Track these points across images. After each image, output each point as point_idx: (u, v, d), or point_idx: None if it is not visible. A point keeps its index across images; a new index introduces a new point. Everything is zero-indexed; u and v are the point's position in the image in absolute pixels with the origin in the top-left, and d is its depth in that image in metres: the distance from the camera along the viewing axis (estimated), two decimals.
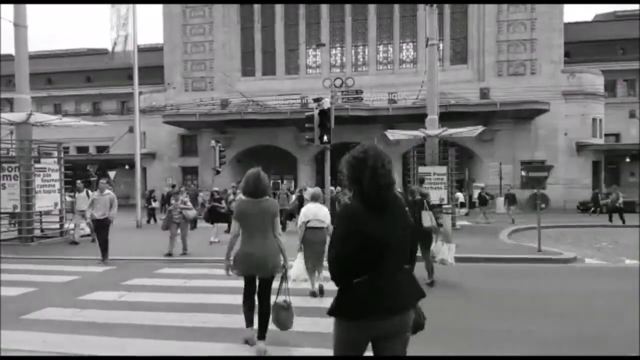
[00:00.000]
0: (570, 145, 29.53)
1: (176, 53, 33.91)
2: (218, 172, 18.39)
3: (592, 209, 24.54)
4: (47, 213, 13.68)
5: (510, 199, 20.32)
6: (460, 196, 19.84)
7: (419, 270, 8.21)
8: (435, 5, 16.53)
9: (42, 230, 13.63)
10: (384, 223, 2.32)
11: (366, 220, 2.30)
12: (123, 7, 18.19)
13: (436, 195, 15.19)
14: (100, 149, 38.01)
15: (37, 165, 13.12)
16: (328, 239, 5.33)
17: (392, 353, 2.48)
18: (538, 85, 28.64)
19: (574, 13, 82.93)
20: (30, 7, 13.54)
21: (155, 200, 20.81)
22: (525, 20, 29.98)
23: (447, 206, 13.09)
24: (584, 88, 29.56)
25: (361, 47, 33.61)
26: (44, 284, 7.61)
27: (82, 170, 25.27)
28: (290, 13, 33.87)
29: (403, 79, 30.79)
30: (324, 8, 33.29)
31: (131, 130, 29.41)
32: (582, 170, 29.55)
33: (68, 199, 14.04)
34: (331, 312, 2.36)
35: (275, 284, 4.52)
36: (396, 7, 32.67)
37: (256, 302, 4.56)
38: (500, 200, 26.69)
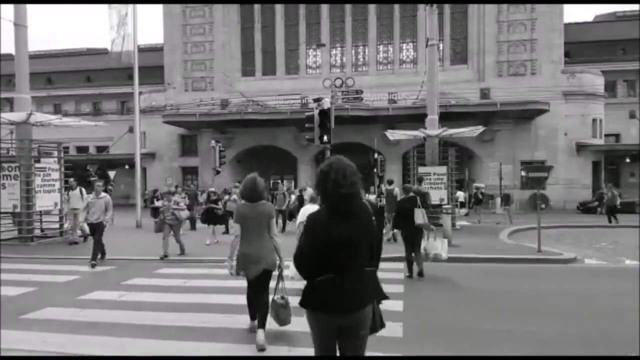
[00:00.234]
0: (570, 145, 29.54)
1: (176, 53, 33.92)
2: (218, 172, 18.39)
3: (599, 209, 24.51)
4: (47, 213, 13.67)
5: (505, 199, 20.29)
6: (460, 195, 19.84)
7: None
8: (435, 5, 16.52)
9: (42, 230, 13.62)
10: (347, 228, 2.59)
11: (330, 225, 2.59)
12: (123, 7, 18.18)
13: (436, 195, 15.22)
14: (100, 149, 38.02)
15: (37, 165, 13.11)
16: None
17: (352, 347, 2.72)
18: (538, 85, 28.64)
19: (574, 13, 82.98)
20: (30, 7, 13.54)
21: (159, 199, 20.77)
22: (526, 21, 29.98)
23: (447, 206, 13.09)
24: (584, 88, 29.56)
25: (361, 47, 33.61)
26: (43, 284, 7.61)
27: (82, 170, 25.27)
28: (291, 13, 33.87)
29: (403, 79, 30.80)
30: (324, 8, 33.29)
31: (131, 130, 29.41)
32: (582, 170, 29.55)
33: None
34: (300, 303, 2.70)
35: (272, 284, 4.76)
36: (396, 7, 32.67)
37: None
38: (500, 201, 26.74)
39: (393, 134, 19.95)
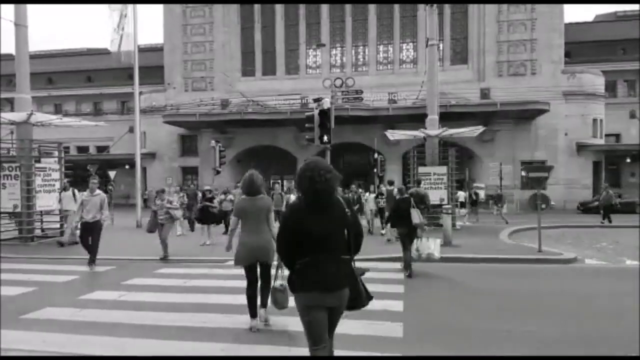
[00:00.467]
0: (570, 145, 29.54)
1: (176, 53, 33.93)
2: (218, 172, 18.40)
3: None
4: (48, 213, 13.67)
5: (497, 200, 20.26)
6: (461, 195, 19.80)
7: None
8: (435, 5, 16.53)
9: (42, 230, 13.62)
10: (322, 221, 2.94)
11: (305, 217, 2.96)
12: (123, 7, 18.19)
13: (436, 195, 15.22)
14: (101, 149, 38.04)
15: (37, 165, 13.11)
16: None
17: (330, 323, 3.09)
18: (538, 85, 28.64)
19: (574, 13, 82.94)
20: (30, 7, 13.54)
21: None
22: (526, 21, 29.98)
23: (447, 206, 13.09)
24: (584, 88, 29.56)
25: (361, 47, 33.62)
26: (43, 284, 7.61)
27: (83, 170, 25.26)
28: (291, 13, 33.88)
29: (403, 79, 30.80)
30: (324, 8, 33.30)
31: (131, 130, 29.42)
32: (582, 170, 29.56)
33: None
34: (291, 289, 3.10)
35: (272, 272, 4.87)
36: (396, 7, 32.68)
37: (258, 292, 5.20)
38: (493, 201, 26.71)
39: (393, 134, 19.95)
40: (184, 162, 34.00)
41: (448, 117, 22.66)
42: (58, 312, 5.88)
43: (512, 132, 29.50)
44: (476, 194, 22.72)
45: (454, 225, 14.17)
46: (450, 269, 8.91)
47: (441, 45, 29.47)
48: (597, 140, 30.25)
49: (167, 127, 32.10)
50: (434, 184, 15.66)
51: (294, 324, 4.64)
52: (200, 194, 17.55)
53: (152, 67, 33.65)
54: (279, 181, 27.91)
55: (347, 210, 3.06)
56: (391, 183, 14.73)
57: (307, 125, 11.58)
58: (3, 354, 4.43)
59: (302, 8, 33.54)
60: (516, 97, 27.53)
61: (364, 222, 15.02)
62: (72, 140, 34.88)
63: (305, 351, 4.45)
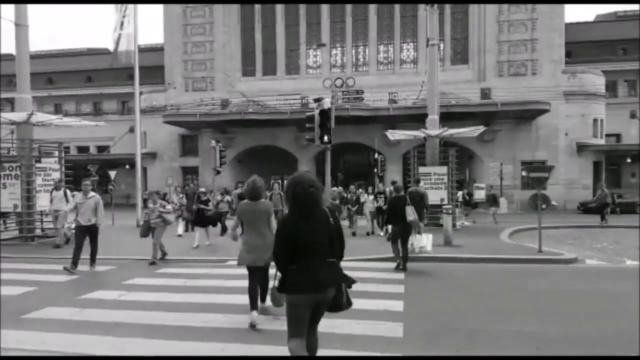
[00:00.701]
0: (571, 145, 29.52)
1: (177, 53, 33.94)
2: (218, 172, 18.39)
3: (610, 209, 24.43)
4: (48, 213, 13.65)
5: (491, 200, 20.22)
6: (460, 195, 19.79)
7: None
8: (435, 5, 16.53)
9: (42, 229, 13.62)
10: (308, 229, 3.29)
11: (294, 226, 3.31)
12: (124, 7, 18.19)
13: (436, 195, 15.21)
14: (101, 149, 38.06)
15: (38, 165, 13.11)
16: None
17: (315, 318, 3.45)
18: (539, 85, 28.63)
19: (574, 13, 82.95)
20: (31, 7, 13.53)
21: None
22: (526, 21, 29.97)
23: (447, 206, 13.09)
24: (584, 88, 29.55)
25: (362, 47, 33.62)
26: (44, 283, 7.61)
27: (83, 170, 25.26)
28: (291, 13, 33.88)
29: (404, 79, 30.80)
30: (325, 8, 33.30)
31: (132, 130, 29.41)
32: (582, 170, 29.55)
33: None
34: (279, 289, 3.46)
35: (271, 272, 4.90)
36: (397, 7, 32.68)
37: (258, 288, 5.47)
38: (502, 200, 26.71)
39: (393, 134, 19.95)
40: (184, 162, 34.00)
41: (448, 117, 22.66)
42: (58, 312, 5.89)
43: (513, 132, 29.49)
44: (469, 194, 22.70)
45: (454, 225, 14.16)
46: (450, 269, 8.91)
47: (442, 45, 29.43)
48: (597, 141, 30.24)
49: (167, 127, 32.11)
50: (435, 184, 15.65)
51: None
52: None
53: (152, 67, 33.68)
54: (279, 181, 27.92)
55: (330, 219, 3.40)
56: (394, 183, 14.69)
57: (307, 125, 11.60)
58: (3, 353, 4.43)
59: (302, 8, 33.54)
60: (517, 97, 27.52)
61: (363, 222, 14.97)
62: (72, 140, 34.90)
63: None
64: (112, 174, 23.11)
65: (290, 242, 3.30)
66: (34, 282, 7.67)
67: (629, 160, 31.91)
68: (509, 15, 30.12)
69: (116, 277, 8.19)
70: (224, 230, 14.63)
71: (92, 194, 8.69)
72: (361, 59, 33.73)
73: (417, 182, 14.33)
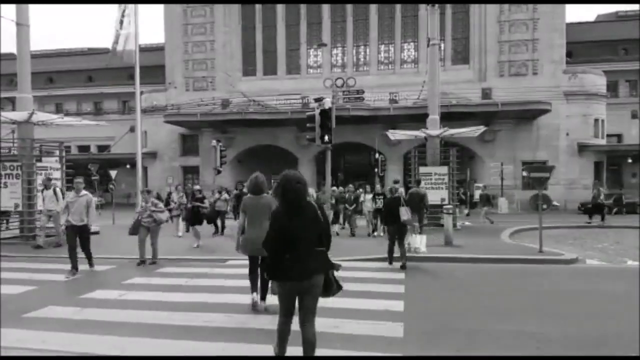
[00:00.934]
0: (571, 145, 29.50)
1: (177, 53, 33.95)
2: (219, 172, 18.40)
3: (616, 209, 24.45)
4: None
5: (485, 200, 20.18)
6: (476, 194, 19.70)
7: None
8: (436, 5, 16.53)
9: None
10: (296, 222, 3.63)
11: (284, 219, 3.66)
12: (125, 7, 18.17)
13: (437, 195, 15.21)
14: (102, 148, 38.08)
15: (38, 164, 13.11)
16: None
17: (308, 304, 3.73)
18: (540, 85, 28.62)
19: (575, 13, 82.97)
20: (32, 7, 13.53)
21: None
22: (527, 20, 29.95)
23: (448, 206, 13.08)
24: (585, 88, 29.53)
25: (362, 47, 33.62)
26: (45, 283, 7.62)
27: (84, 169, 25.27)
28: (292, 13, 33.88)
29: (404, 79, 30.79)
30: (325, 8, 33.29)
31: (132, 129, 29.43)
32: (583, 170, 29.52)
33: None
34: (268, 277, 3.85)
35: None
36: (397, 7, 32.67)
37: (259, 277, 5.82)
38: (502, 200, 26.72)
39: (394, 134, 19.95)
40: (184, 162, 34.02)
41: (449, 117, 22.65)
42: (59, 311, 5.90)
43: (513, 132, 29.48)
44: (465, 194, 22.69)
45: (455, 225, 14.15)
46: (451, 269, 8.91)
47: (442, 45, 29.40)
48: (598, 141, 30.22)
49: (168, 127, 32.12)
50: (435, 184, 15.64)
51: (294, 324, 4.65)
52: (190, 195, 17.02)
53: (153, 66, 33.66)
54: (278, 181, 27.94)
55: (318, 212, 3.75)
56: (396, 182, 14.69)
57: (308, 125, 11.60)
58: (4, 353, 4.43)
59: (303, 8, 33.54)
60: (517, 97, 27.51)
61: (363, 222, 14.91)
62: (73, 140, 34.95)
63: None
64: (113, 173, 23.13)
65: (281, 234, 3.62)
66: (35, 281, 7.68)
67: (629, 161, 31.87)
68: (509, 15, 30.11)
69: (116, 276, 8.19)
70: (220, 229, 14.59)
71: (84, 192, 8.35)
72: (362, 59, 33.73)
73: (418, 182, 14.39)
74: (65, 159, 14.23)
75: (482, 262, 9.75)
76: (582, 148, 29.44)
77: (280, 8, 33.76)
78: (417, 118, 22.36)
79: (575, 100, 29.33)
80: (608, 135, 31.72)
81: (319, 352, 4.43)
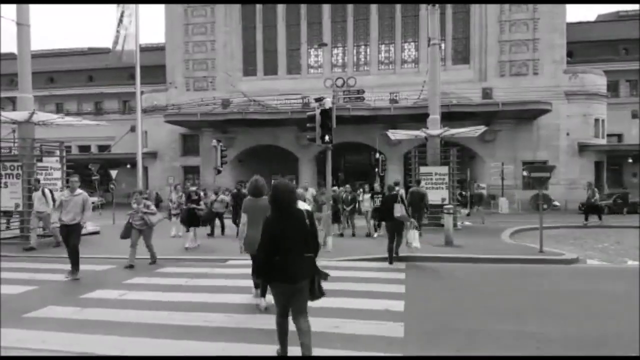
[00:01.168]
0: (572, 145, 29.48)
1: (178, 52, 33.94)
2: (219, 172, 18.40)
3: (625, 209, 24.39)
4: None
5: (477, 199, 20.12)
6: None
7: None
8: (437, 5, 16.52)
9: (44, 228, 13.62)
10: (286, 227, 3.95)
11: (275, 224, 3.97)
12: (125, 6, 18.17)
13: (438, 195, 15.20)
14: (102, 148, 38.09)
15: (39, 164, 13.10)
16: None
17: (298, 304, 4.01)
18: (540, 85, 28.61)
19: (576, 13, 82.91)
20: (32, 7, 13.53)
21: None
22: (528, 20, 29.93)
23: (448, 206, 13.07)
24: (586, 88, 29.51)
25: (363, 46, 33.61)
26: (45, 282, 7.62)
27: (84, 169, 25.28)
28: (292, 13, 33.87)
29: (405, 78, 30.78)
30: (326, 8, 33.29)
31: (133, 129, 29.44)
32: (584, 170, 29.49)
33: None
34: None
35: None
36: (398, 7, 32.66)
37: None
38: (503, 200, 26.70)
39: (394, 134, 19.94)
40: (185, 162, 34.02)
41: (450, 117, 22.65)
42: (59, 311, 5.90)
43: (514, 132, 29.46)
44: (460, 194, 22.66)
45: (455, 225, 14.14)
46: (451, 269, 8.91)
47: (443, 45, 29.39)
48: (599, 141, 30.20)
49: (168, 127, 32.12)
50: (436, 184, 15.64)
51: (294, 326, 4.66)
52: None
53: (153, 66, 33.69)
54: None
55: (306, 220, 4.06)
56: (397, 184, 14.67)
57: (308, 125, 11.57)
58: (4, 353, 4.43)
59: (303, 8, 33.53)
60: (518, 97, 27.49)
61: (362, 222, 14.81)
62: (73, 140, 34.96)
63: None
64: (113, 173, 23.14)
65: (271, 238, 3.92)
66: (35, 281, 7.68)
67: (630, 161, 31.84)
68: (510, 15, 30.09)
69: (116, 276, 8.20)
70: (221, 229, 14.55)
71: (79, 191, 8.09)
72: (362, 59, 33.72)
73: (418, 182, 14.40)
74: (65, 159, 14.23)
75: (482, 262, 9.75)
76: (583, 148, 29.42)
77: (280, 8, 33.75)
78: (417, 118, 22.35)
79: (575, 100, 29.31)
80: (608, 135, 31.69)
81: (319, 352, 4.44)
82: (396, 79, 31.64)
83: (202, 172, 32.36)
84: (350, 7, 33.16)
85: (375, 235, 13.50)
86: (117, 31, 17.79)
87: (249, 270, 6.60)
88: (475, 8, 31.07)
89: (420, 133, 16.82)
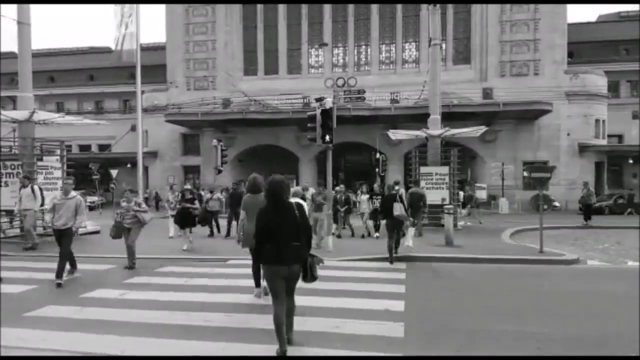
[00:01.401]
0: (572, 146, 29.46)
1: (178, 52, 33.94)
2: (220, 172, 18.41)
3: (629, 210, 24.35)
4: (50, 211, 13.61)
5: (467, 200, 20.08)
6: (461, 195, 19.68)
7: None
8: (438, 5, 16.52)
9: (44, 228, 13.62)
10: (278, 217, 4.42)
11: (268, 214, 4.46)
12: (126, 6, 18.18)
13: (438, 195, 15.20)
14: (103, 147, 38.10)
15: (39, 163, 13.11)
16: None
17: (289, 286, 4.50)
18: (541, 85, 28.59)
19: (577, 13, 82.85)
20: (33, 6, 13.53)
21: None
22: (529, 21, 29.91)
23: (448, 206, 13.06)
24: (587, 89, 29.48)
25: (363, 46, 33.60)
26: (45, 282, 7.61)
27: (85, 168, 25.30)
28: (293, 13, 33.86)
29: (405, 78, 30.77)
30: (327, 8, 33.28)
31: (133, 128, 29.45)
32: (584, 171, 29.46)
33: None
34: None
35: None
36: (399, 7, 32.64)
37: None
38: (503, 201, 26.70)
39: (395, 134, 19.96)
40: (185, 161, 34.02)
41: (450, 117, 22.63)
42: (59, 310, 5.90)
43: (515, 133, 29.45)
44: (458, 194, 22.59)
45: (455, 225, 14.13)
46: (451, 269, 8.91)
47: (444, 45, 29.36)
48: (599, 141, 30.18)
49: (168, 126, 32.13)
50: (436, 184, 15.64)
51: (295, 325, 4.66)
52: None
53: (154, 66, 33.59)
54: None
55: (297, 212, 4.46)
56: (397, 183, 14.65)
57: (309, 124, 11.57)
58: (4, 352, 4.43)
59: (304, 8, 33.52)
60: (519, 97, 27.47)
61: (360, 223, 14.62)
62: (74, 139, 34.96)
63: (304, 351, 4.50)
64: (114, 172, 23.20)
65: (264, 226, 4.41)
66: (35, 280, 7.68)
67: (630, 161, 31.82)
68: (511, 15, 30.07)
69: (117, 275, 8.20)
70: (216, 229, 14.46)
71: (73, 193, 7.74)
72: (363, 59, 33.71)
73: (416, 183, 14.46)
74: (66, 158, 14.24)
75: (482, 262, 9.75)
76: (583, 148, 29.40)
77: (281, 8, 33.74)
78: (418, 118, 22.34)
79: (576, 100, 29.29)
80: (609, 136, 31.66)
81: (319, 352, 4.45)
82: (397, 79, 31.62)
83: (203, 172, 32.36)
84: (351, 7, 33.14)
85: (375, 235, 13.48)
86: (119, 31, 17.79)
87: (249, 270, 6.62)
88: (476, 8, 31.05)
89: (420, 133, 16.83)
